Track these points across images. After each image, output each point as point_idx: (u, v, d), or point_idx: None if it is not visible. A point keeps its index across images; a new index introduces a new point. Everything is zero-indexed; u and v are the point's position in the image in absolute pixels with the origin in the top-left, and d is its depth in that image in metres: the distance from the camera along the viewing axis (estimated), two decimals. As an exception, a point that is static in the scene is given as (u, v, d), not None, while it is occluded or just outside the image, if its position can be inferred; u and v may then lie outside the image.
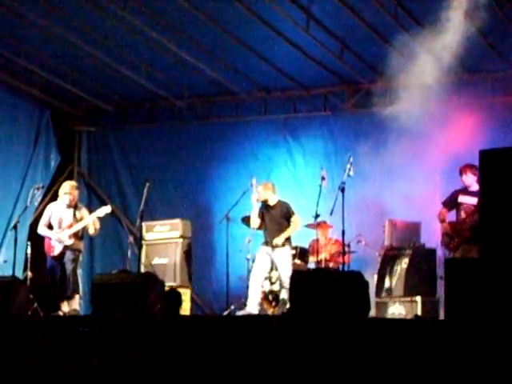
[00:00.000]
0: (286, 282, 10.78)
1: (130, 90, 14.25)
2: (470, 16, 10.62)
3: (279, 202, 11.54)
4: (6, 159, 13.99)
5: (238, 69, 13.34)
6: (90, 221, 11.27)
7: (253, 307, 11.11)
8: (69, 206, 11.23)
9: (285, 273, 11.08)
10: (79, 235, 11.24)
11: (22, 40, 12.33)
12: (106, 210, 11.39)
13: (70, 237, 11.09)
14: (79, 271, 11.40)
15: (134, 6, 11.04)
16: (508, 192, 5.97)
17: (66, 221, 11.20)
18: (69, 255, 11.09)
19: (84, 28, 11.84)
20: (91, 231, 11.39)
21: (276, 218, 11.43)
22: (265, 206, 11.50)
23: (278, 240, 11.21)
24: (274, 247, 11.24)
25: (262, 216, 11.46)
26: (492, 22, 10.71)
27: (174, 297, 9.57)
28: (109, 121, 15.47)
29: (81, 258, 11.52)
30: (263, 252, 11.34)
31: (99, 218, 11.40)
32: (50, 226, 11.28)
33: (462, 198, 10.55)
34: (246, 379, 6.01)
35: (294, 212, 11.43)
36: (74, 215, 11.22)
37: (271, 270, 11.47)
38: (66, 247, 11.08)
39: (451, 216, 10.74)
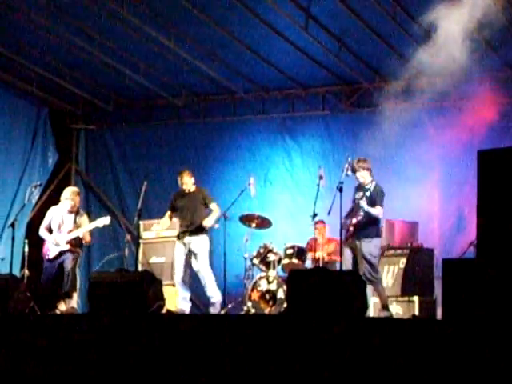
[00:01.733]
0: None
1: (128, 88, 14.24)
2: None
3: None
4: (4, 157, 13.99)
5: (236, 68, 13.34)
6: (88, 229, 11.30)
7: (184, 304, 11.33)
8: (70, 212, 11.26)
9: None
10: (76, 242, 11.25)
11: (21, 38, 12.33)
12: (105, 220, 11.40)
13: (67, 242, 11.11)
14: (77, 270, 11.39)
15: (133, 4, 11.04)
16: (506, 192, 5.97)
17: (65, 225, 11.23)
18: (67, 255, 11.11)
19: (82, 26, 11.84)
20: (87, 240, 11.42)
21: None
22: None
23: None
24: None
25: None
26: (491, 23, 10.73)
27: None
28: (106, 119, 15.47)
29: (79, 260, 11.51)
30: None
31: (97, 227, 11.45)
32: (50, 230, 11.30)
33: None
34: (242, 378, 6.01)
35: None
36: (75, 221, 11.25)
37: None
38: (61, 251, 11.12)
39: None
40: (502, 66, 12.32)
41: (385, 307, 10.19)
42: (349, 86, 13.83)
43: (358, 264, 10.21)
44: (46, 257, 11.19)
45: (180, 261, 11.44)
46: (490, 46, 11.52)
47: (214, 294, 11.35)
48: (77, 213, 11.33)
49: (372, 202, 10.25)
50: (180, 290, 11.54)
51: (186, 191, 11.54)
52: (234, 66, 13.24)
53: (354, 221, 10.26)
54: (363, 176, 10.49)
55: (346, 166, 10.50)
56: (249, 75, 13.69)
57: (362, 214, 10.23)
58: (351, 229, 10.30)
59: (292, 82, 13.87)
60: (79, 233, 11.18)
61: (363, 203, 10.18)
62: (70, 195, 11.38)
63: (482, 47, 11.46)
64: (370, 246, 10.17)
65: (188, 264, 11.45)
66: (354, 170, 10.49)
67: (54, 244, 11.11)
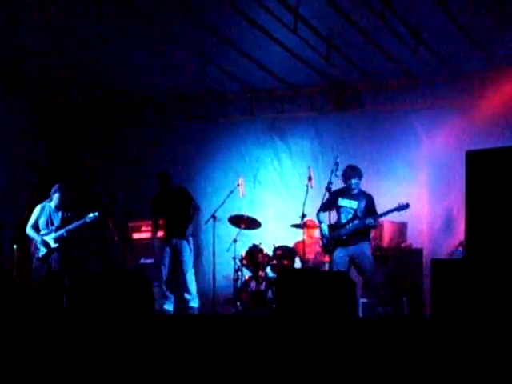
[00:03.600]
0: None
1: (117, 89, 14.20)
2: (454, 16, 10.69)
3: None
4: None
5: (225, 69, 13.32)
6: (77, 226, 11.25)
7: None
8: (58, 208, 11.20)
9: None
10: (65, 239, 11.20)
11: (11, 40, 12.26)
12: (93, 216, 11.35)
13: (55, 240, 11.07)
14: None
15: (123, 7, 11.02)
16: (494, 193, 5.99)
17: (54, 222, 11.18)
18: (55, 255, 11.07)
19: (73, 29, 11.79)
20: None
21: None
22: None
23: None
24: None
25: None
26: (477, 21, 10.78)
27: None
28: (96, 120, 15.42)
29: (66, 259, 11.45)
30: None
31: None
32: (37, 227, 11.25)
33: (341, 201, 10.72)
34: (231, 379, 6.01)
35: None
36: (63, 218, 11.20)
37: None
38: (51, 250, 11.07)
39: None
40: (491, 66, 12.34)
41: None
42: (338, 86, 13.83)
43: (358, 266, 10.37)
44: (36, 255, 11.14)
45: (166, 262, 11.49)
46: (478, 46, 11.54)
47: (194, 299, 11.46)
48: (65, 209, 11.28)
49: (371, 211, 10.41)
50: (166, 292, 11.59)
51: (168, 192, 11.59)
52: (222, 66, 13.22)
53: (344, 232, 10.43)
54: (358, 184, 10.60)
55: (335, 166, 10.53)
56: (238, 76, 13.67)
57: (356, 222, 10.37)
58: (344, 238, 10.43)
59: (281, 83, 13.86)
60: (69, 229, 11.14)
61: (371, 220, 10.35)
62: (59, 189, 11.34)
63: (470, 47, 11.49)
64: (369, 248, 10.40)
65: (173, 265, 11.51)
66: (348, 177, 10.57)
67: (43, 244, 11.07)
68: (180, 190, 11.95)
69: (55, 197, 11.23)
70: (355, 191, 10.67)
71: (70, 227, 11.16)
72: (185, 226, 11.65)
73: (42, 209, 11.34)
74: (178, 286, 11.87)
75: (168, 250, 11.60)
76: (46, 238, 11.08)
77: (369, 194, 10.79)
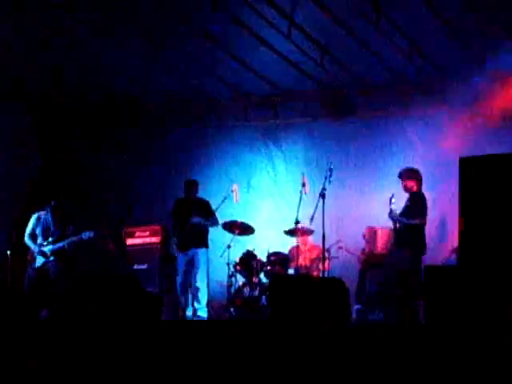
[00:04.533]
0: None
1: (111, 93, 14.19)
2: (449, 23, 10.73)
3: None
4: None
5: (219, 74, 13.33)
6: (73, 241, 11.25)
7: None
8: (56, 221, 11.21)
9: None
10: (62, 251, 11.20)
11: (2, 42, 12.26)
12: (89, 234, 11.34)
13: (53, 252, 11.08)
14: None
15: (116, 12, 11.04)
16: (487, 199, 6.01)
17: (51, 234, 11.18)
18: (52, 263, 11.06)
19: (65, 31, 11.79)
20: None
21: None
22: None
23: None
24: None
25: None
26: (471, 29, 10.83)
27: (155, 301, 9.55)
28: (90, 124, 15.40)
29: (63, 265, 11.42)
30: None
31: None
32: (35, 236, 11.25)
33: None
34: (225, 383, 6.02)
35: None
36: (60, 230, 11.20)
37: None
38: (48, 262, 11.08)
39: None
40: (485, 72, 12.37)
41: None
42: (331, 93, 13.84)
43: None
44: (32, 265, 11.14)
45: (183, 271, 11.52)
46: (472, 52, 11.57)
47: (203, 309, 11.42)
48: (63, 221, 11.28)
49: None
50: (181, 299, 11.58)
51: (190, 200, 11.57)
52: (217, 72, 13.23)
53: None
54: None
55: (329, 172, 10.55)
56: (232, 82, 13.69)
57: None
58: None
59: (275, 89, 13.87)
60: (65, 243, 11.14)
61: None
62: (56, 201, 11.35)
63: (464, 54, 11.52)
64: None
65: (189, 274, 11.52)
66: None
67: (41, 254, 11.08)
68: (202, 200, 11.94)
69: (53, 208, 11.24)
70: None
71: (67, 242, 11.17)
72: (203, 236, 11.65)
73: (38, 219, 11.32)
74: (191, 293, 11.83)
75: (185, 258, 11.60)
76: (43, 249, 11.10)
77: None
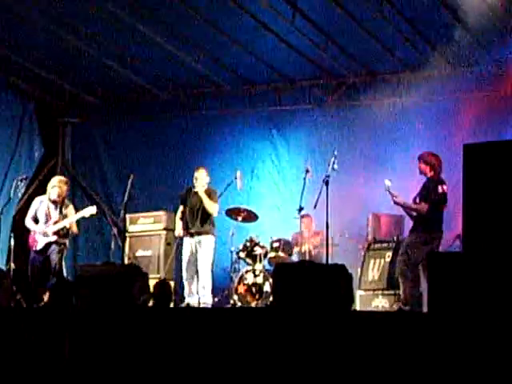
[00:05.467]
0: None
1: (114, 81, 14.19)
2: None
3: None
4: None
5: (222, 61, 13.31)
6: (75, 219, 11.24)
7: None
8: (55, 202, 11.19)
9: None
10: (63, 232, 11.19)
11: (7, 31, 12.25)
12: (91, 210, 11.34)
13: (53, 233, 11.06)
14: (63, 263, 11.32)
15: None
16: (491, 186, 5.99)
17: (52, 216, 11.16)
18: (54, 247, 11.05)
19: (69, 20, 11.79)
20: (74, 230, 11.37)
21: None
22: None
23: None
24: None
25: None
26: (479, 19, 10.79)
27: (165, 288, 9.58)
28: (93, 113, 15.41)
29: (65, 252, 11.42)
30: None
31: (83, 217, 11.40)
32: (36, 220, 11.25)
33: None
34: (228, 371, 6.02)
35: None
36: (61, 212, 11.18)
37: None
38: (49, 242, 11.06)
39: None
40: (490, 61, 12.33)
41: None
42: (336, 79, 13.81)
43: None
44: (33, 248, 11.12)
45: (187, 258, 11.48)
46: (477, 42, 11.53)
47: (207, 295, 11.39)
48: (63, 203, 11.26)
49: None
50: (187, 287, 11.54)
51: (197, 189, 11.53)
52: (220, 59, 13.21)
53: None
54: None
55: (333, 159, 10.52)
56: (235, 69, 13.66)
57: None
58: None
59: (279, 76, 13.85)
60: (66, 223, 11.12)
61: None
62: (57, 183, 11.33)
63: (470, 42, 11.48)
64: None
65: (193, 262, 11.48)
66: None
67: (42, 234, 11.06)
68: (209, 188, 11.86)
69: (53, 191, 11.20)
70: None
71: (68, 221, 11.14)
72: (208, 223, 11.57)
73: (40, 202, 11.31)
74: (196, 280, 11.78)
75: (189, 244, 11.55)
76: (45, 230, 11.07)
77: None
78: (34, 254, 11.15)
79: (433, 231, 10.15)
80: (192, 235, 11.44)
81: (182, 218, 11.69)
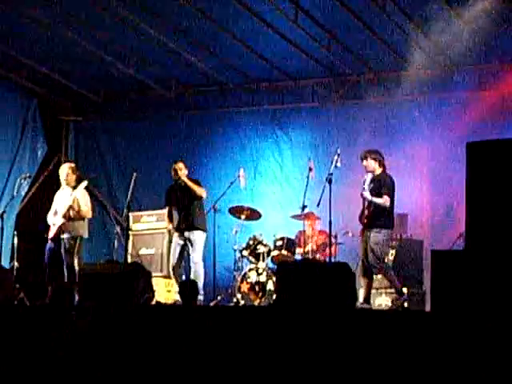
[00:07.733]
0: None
1: (117, 80, 14.20)
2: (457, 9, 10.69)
3: None
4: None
5: (226, 60, 13.31)
6: (72, 198, 11.15)
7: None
8: (65, 188, 11.26)
9: None
10: (71, 214, 11.14)
11: (10, 29, 12.26)
12: (83, 184, 11.27)
13: (62, 215, 11.11)
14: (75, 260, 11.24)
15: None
16: (494, 184, 5.98)
17: (63, 201, 11.25)
18: (66, 239, 11.05)
19: (72, 18, 11.79)
20: (83, 213, 11.25)
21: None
22: None
23: None
24: None
25: None
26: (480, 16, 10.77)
27: (190, 287, 9.63)
28: (96, 111, 15.43)
29: (78, 243, 11.30)
30: None
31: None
32: (56, 212, 11.34)
33: None
34: (231, 369, 6.02)
35: None
36: (70, 194, 11.23)
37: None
38: (60, 229, 11.06)
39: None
40: (492, 58, 12.33)
41: (366, 300, 10.17)
42: (338, 77, 13.82)
43: (366, 253, 10.18)
44: (48, 236, 11.20)
45: (176, 254, 11.46)
46: (479, 39, 11.52)
47: (200, 291, 11.38)
48: (73, 187, 11.29)
49: (378, 192, 10.21)
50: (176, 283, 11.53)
51: (181, 184, 11.52)
52: (223, 57, 13.21)
53: (366, 212, 10.25)
54: (368, 165, 10.42)
55: (336, 157, 10.51)
56: (238, 67, 13.67)
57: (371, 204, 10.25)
58: (365, 220, 10.30)
59: (282, 74, 13.85)
60: (67, 203, 11.08)
61: (366, 193, 10.18)
62: (61, 169, 11.45)
63: (472, 39, 11.46)
64: (377, 237, 10.12)
65: (183, 257, 11.47)
66: (362, 158, 10.47)
67: (53, 224, 11.16)
68: (190, 178, 11.81)
69: (62, 174, 11.32)
70: None
71: (69, 201, 11.12)
72: (196, 217, 11.55)
73: (57, 194, 11.44)
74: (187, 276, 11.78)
75: (179, 241, 11.53)
76: (55, 216, 11.18)
77: None
78: (49, 242, 11.22)
79: (392, 225, 10.37)
80: (182, 232, 11.44)
81: (170, 217, 11.72)
